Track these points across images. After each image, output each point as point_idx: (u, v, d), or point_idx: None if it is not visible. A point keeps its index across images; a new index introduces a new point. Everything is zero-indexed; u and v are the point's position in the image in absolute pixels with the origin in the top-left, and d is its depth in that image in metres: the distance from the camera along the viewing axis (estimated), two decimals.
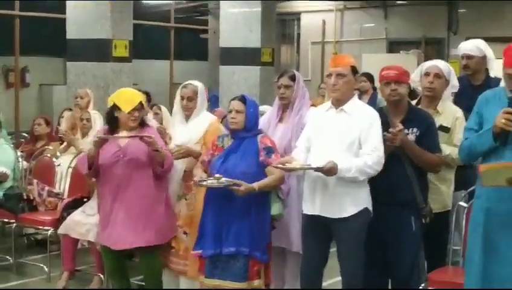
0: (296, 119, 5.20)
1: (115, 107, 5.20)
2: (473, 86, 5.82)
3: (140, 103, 5.22)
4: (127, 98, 5.23)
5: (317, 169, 4.42)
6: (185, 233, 5.33)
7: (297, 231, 5.04)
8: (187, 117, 5.40)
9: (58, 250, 6.70)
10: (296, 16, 17.60)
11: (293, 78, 5.31)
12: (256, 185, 4.69)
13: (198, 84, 5.41)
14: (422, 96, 5.34)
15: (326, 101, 5.12)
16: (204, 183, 4.72)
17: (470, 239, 4.25)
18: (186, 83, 5.44)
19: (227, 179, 4.66)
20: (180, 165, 5.33)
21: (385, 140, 4.56)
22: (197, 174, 5.08)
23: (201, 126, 5.34)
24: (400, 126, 4.61)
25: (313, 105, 5.51)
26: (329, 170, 4.38)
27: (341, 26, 16.79)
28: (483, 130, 4.08)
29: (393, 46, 16.22)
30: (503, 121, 3.87)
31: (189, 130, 5.34)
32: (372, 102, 8.07)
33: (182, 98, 5.36)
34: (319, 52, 16.96)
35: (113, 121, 5.24)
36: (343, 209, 4.54)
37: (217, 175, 4.70)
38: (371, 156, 4.46)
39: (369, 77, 9.08)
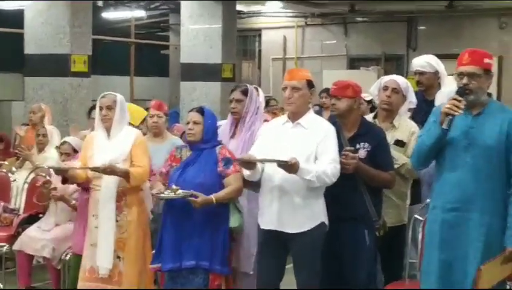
0: (248, 135, 5.10)
1: None
2: (427, 101, 5.87)
3: None
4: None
5: (279, 163, 4.32)
6: (118, 257, 5.06)
7: (246, 251, 5.03)
8: (107, 130, 5.13)
9: (13, 267, 6.59)
10: (257, 32, 17.65)
11: (245, 92, 5.24)
12: (213, 196, 4.64)
13: (118, 95, 5.18)
14: (378, 110, 5.38)
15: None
16: (162, 195, 4.67)
17: (427, 250, 4.28)
18: (105, 93, 5.19)
19: (183, 190, 4.62)
20: (113, 184, 5.07)
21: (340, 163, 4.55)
22: (155, 187, 4.89)
23: (127, 143, 5.08)
24: (346, 152, 4.60)
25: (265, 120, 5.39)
26: (292, 166, 4.30)
27: (302, 43, 16.88)
28: (431, 125, 4.16)
29: (354, 63, 16.36)
30: (449, 105, 3.97)
31: (115, 148, 5.07)
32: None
33: (101, 108, 5.12)
34: (281, 68, 17.00)
35: None
36: (301, 224, 4.52)
37: (174, 187, 4.66)
38: (330, 166, 4.44)
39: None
